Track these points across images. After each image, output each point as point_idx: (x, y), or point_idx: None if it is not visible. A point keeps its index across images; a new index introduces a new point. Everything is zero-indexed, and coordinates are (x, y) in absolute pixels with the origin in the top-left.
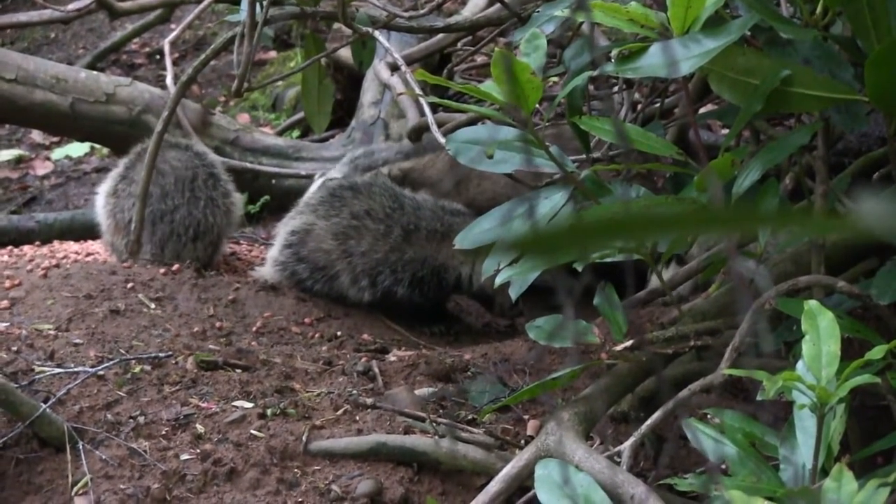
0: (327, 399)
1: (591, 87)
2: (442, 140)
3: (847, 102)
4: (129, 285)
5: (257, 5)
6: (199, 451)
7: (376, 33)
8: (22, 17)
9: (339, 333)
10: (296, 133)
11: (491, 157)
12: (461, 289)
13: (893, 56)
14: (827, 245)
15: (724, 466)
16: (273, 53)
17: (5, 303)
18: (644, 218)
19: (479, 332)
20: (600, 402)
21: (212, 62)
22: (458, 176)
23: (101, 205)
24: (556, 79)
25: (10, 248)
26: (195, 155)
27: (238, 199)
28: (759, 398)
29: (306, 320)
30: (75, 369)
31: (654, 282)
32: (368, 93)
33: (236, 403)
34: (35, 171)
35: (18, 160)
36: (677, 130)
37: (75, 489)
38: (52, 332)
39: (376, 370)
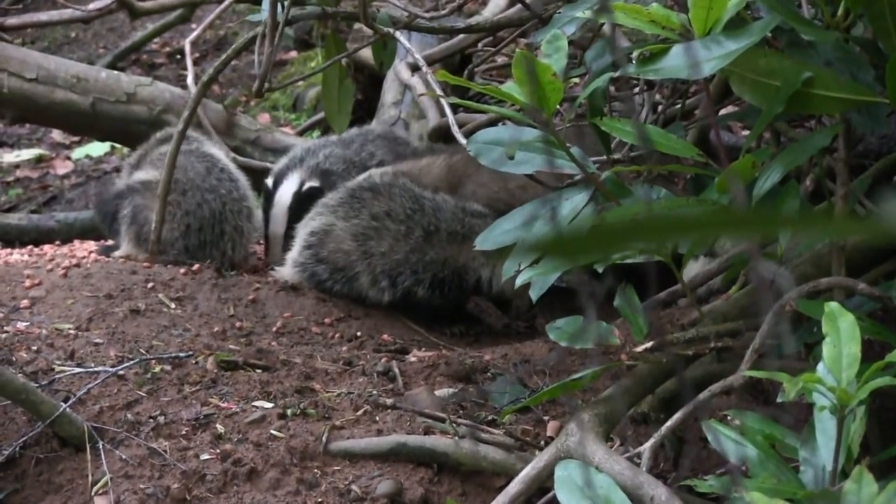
0: (347, 399)
1: (612, 89)
2: (463, 141)
3: (868, 104)
4: (150, 285)
5: (278, 5)
6: (218, 450)
7: (397, 34)
8: (43, 16)
9: (359, 334)
10: (316, 133)
11: (512, 158)
12: (480, 291)
13: None
14: (847, 247)
15: (744, 468)
16: (294, 53)
17: (26, 302)
18: (665, 220)
19: (499, 333)
20: (621, 403)
21: (233, 62)
22: (452, 182)
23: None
24: (577, 80)
25: (30, 247)
26: (217, 184)
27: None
28: (779, 400)
29: (326, 321)
30: (95, 369)
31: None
32: (389, 93)
33: (256, 403)
34: (55, 170)
35: (39, 159)
36: (698, 132)
37: (95, 489)
38: (72, 332)
39: (396, 371)
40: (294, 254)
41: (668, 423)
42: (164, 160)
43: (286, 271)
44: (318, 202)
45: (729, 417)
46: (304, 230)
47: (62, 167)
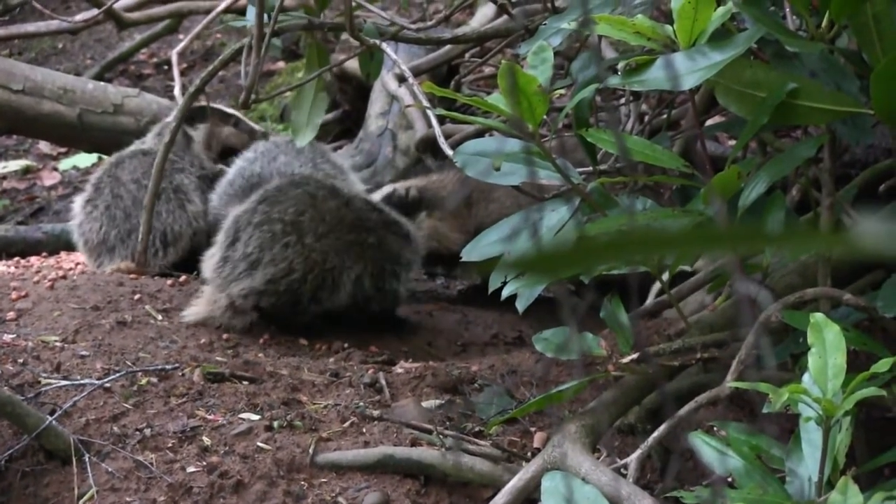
0: (334, 411)
1: (598, 99)
2: (449, 152)
3: (853, 115)
4: (137, 297)
5: (265, 16)
6: (205, 463)
7: (384, 45)
8: (30, 27)
9: (346, 345)
10: None
11: (498, 169)
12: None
13: None
14: (833, 257)
15: (730, 479)
16: (281, 64)
17: (12, 314)
18: (648, 235)
19: (486, 344)
20: (607, 414)
21: (220, 73)
22: (464, 196)
23: (74, 222)
24: (563, 91)
25: (16, 259)
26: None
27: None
28: (765, 411)
29: (313, 332)
30: (82, 381)
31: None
32: (376, 104)
33: (243, 415)
34: (42, 181)
35: (26, 171)
36: (684, 142)
37: (81, 501)
38: (58, 344)
39: (383, 382)
40: (256, 282)
41: (655, 435)
42: (96, 178)
43: (222, 303)
44: (257, 217)
45: (715, 428)
46: (263, 258)
47: (49, 178)
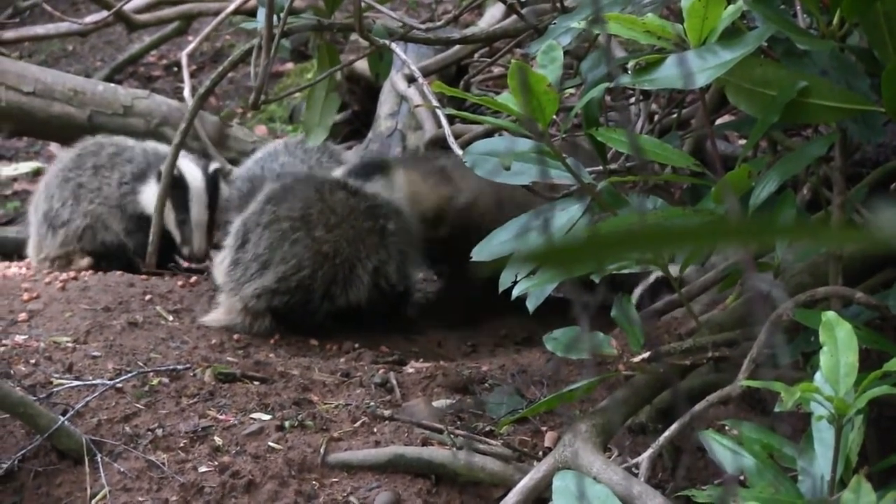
0: (345, 411)
1: (607, 99)
2: (459, 151)
3: (864, 113)
4: (147, 297)
5: (274, 17)
6: (217, 463)
7: (393, 45)
8: (40, 29)
9: (356, 345)
10: None
11: (508, 168)
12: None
13: None
14: (844, 256)
15: (742, 478)
16: (290, 65)
17: (24, 315)
18: (661, 231)
19: (496, 344)
20: (618, 413)
21: (229, 74)
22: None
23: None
24: (572, 90)
25: (28, 260)
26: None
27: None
28: (776, 410)
29: (324, 332)
30: (93, 382)
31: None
32: (385, 104)
33: (254, 415)
34: None
35: (37, 172)
36: (694, 141)
37: (93, 501)
38: (70, 345)
39: (394, 382)
40: (267, 281)
41: (666, 434)
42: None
43: (237, 307)
44: (265, 218)
45: (726, 427)
46: (273, 258)
47: None
